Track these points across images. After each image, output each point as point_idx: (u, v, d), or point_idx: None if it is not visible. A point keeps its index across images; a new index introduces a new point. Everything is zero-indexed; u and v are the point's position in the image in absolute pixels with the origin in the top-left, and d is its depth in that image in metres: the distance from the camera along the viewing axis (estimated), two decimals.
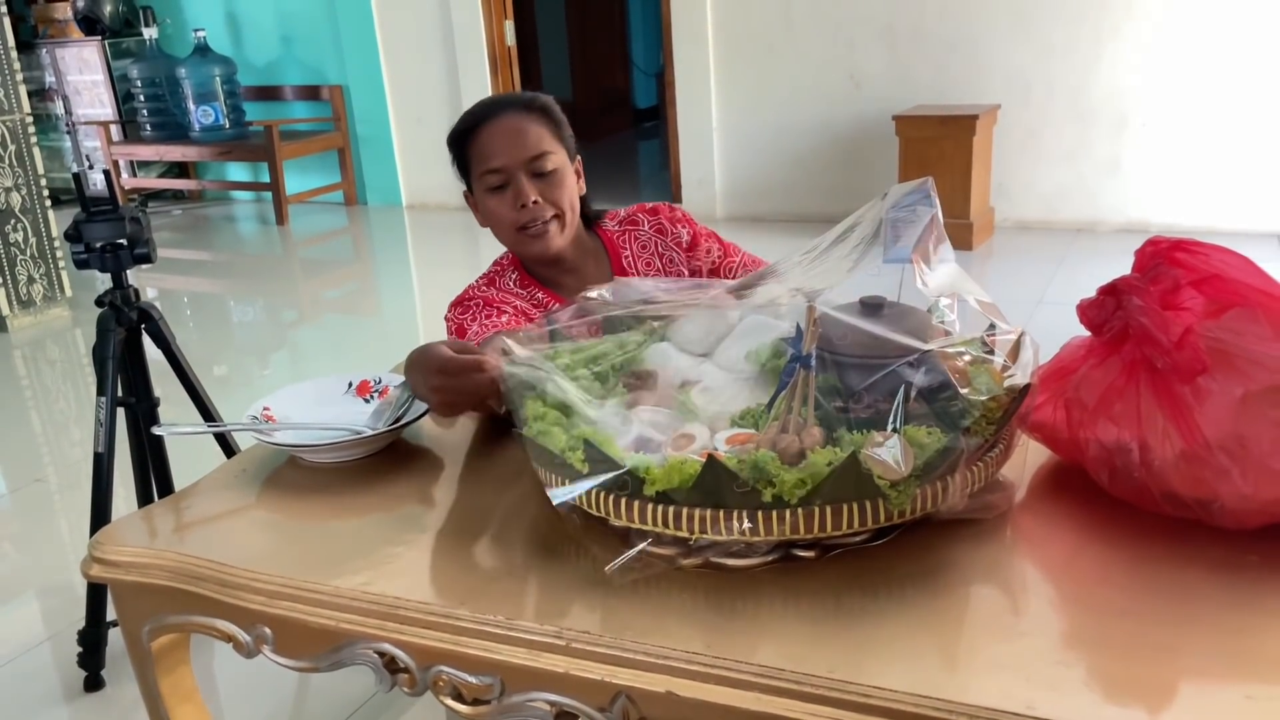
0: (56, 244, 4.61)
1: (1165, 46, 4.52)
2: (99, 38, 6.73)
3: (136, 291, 1.97)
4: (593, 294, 1.22)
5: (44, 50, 6.98)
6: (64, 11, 6.97)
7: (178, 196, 7.41)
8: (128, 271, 1.94)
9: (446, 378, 1.20)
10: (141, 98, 6.54)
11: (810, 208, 5.35)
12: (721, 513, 0.91)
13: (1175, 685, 0.79)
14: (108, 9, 6.71)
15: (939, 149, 4.57)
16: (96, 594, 2.01)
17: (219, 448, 2.08)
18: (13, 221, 4.46)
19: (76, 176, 1.94)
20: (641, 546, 0.94)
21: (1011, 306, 1.32)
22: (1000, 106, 4.79)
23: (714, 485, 0.91)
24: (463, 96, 5.95)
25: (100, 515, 1.98)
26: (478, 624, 0.92)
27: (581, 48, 8.40)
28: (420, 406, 1.30)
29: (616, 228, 1.70)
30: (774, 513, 0.90)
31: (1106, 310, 1.03)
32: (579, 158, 1.63)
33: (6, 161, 4.41)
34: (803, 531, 0.91)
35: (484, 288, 1.62)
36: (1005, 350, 1.05)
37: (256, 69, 6.77)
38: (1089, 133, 4.77)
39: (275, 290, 5.36)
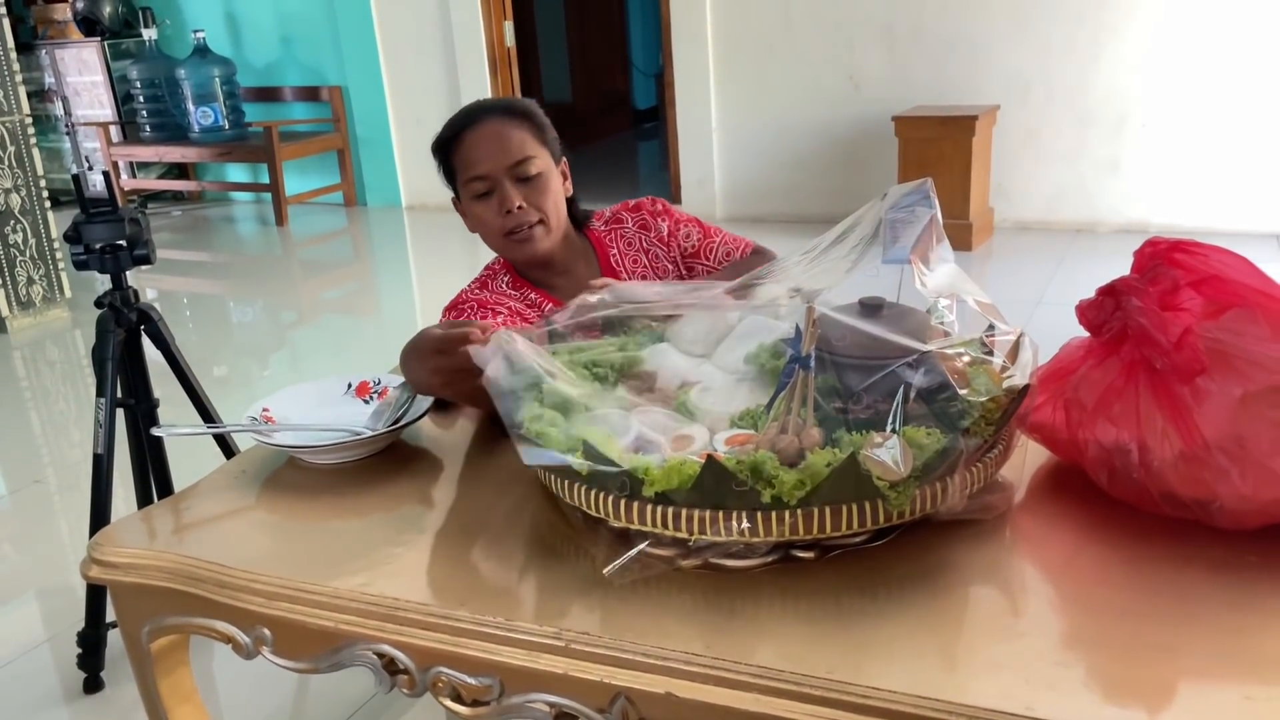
0: (56, 245, 4.61)
1: (1165, 47, 4.52)
2: (98, 39, 6.73)
3: (136, 292, 1.97)
4: (593, 299, 1.23)
5: (43, 51, 6.98)
6: (63, 12, 6.97)
7: (177, 197, 7.41)
8: (127, 272, 1.93)
9: (444, 357, 1.21)
10: (141, 99, 6.54)
11: (809, 208, 5.35)
12: (720, 513, 0.91)
13: (1174, 685, 0.79)
14: (107, 10, 6.71)
15: (938, 149, 4.57)
16: (96, 595, 2.01)
17: (218, 449, 2.09)
18: (12, 223, 4.46)
19: (76, 177, 1.94)
20: (641, 547, 0.94)
21: (1011, 307, 1.32)
22: (999, 107, 4.79)
23: (713, 486, 0.91)
24: (462, 97, 5.94)
25: (100, 516, 1.98)
26: (477, 625, 0.92)
27: (581, 48, 8.41)
28: (419, 407, 1.30)
29: (603, 227, 1.71)
30: (773, 513, 0.90)
31: (1105, 311, 1.03)
32: (565, 159, 1.63)
33: (6, 162, 4.41)
34: (802, 532, 0.91)
35: (477, 291, 1.62)
36: (1004, 351, 1.05)
37: (256, 70, 6.77)
38: (1088, 133, 4.77)
39: (275, 291, 5.36)
